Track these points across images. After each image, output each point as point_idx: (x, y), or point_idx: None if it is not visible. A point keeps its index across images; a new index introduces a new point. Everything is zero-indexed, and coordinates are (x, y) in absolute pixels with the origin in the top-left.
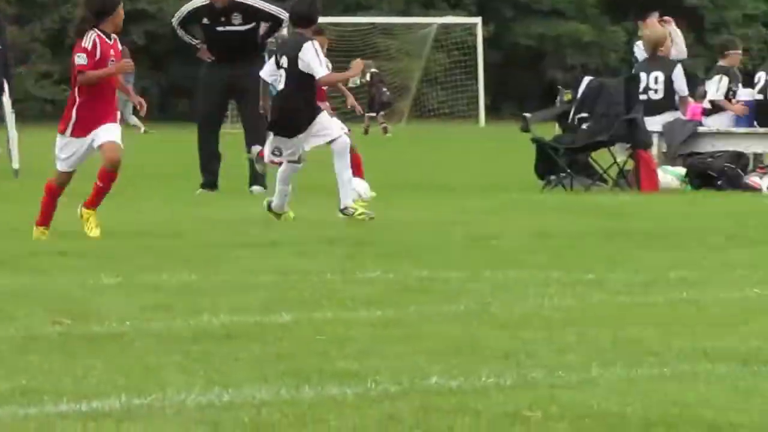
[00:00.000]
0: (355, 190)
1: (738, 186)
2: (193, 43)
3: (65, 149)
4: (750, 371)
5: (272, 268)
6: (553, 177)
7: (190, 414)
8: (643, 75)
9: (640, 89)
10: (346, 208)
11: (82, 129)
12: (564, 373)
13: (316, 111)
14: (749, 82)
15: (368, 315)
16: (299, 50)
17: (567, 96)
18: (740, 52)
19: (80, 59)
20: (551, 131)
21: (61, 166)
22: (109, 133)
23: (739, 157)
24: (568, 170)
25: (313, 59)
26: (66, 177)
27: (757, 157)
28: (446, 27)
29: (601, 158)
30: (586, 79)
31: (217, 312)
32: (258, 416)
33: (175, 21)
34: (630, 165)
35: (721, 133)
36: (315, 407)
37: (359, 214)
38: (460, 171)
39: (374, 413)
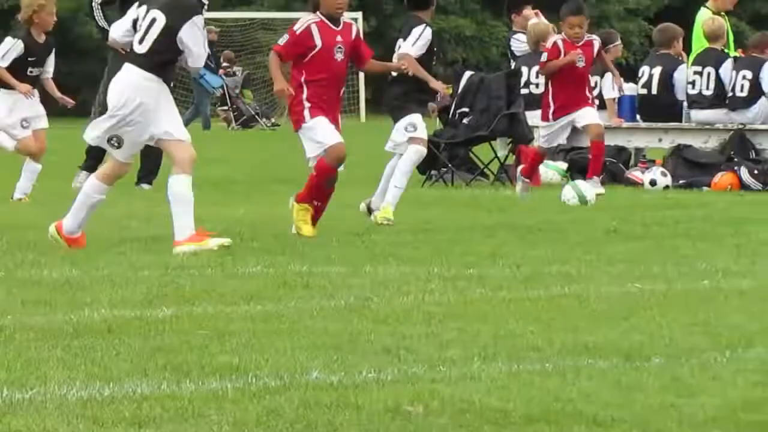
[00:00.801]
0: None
1: (620, 180)
2: (107, 28)
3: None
4: (632, 366)
5: (153, 262)
6: (434, 172)
7: (72, 408)
8: (524, 69)
9: (522, 83)
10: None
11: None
12: (445, 368)
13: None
14: (632, 77)
15: (249, 310)
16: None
17: (448, 90)
18: (620, 44)
19: (281, 39)
20: (432, 125)
21: None
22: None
23: (620, 152)
24: (449, 165)
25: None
26: None
27: (639, 151)
28: None
29: (481, 153)
30: (467, 74)
31: (97, 306)
32: (139, 410)
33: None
34: (511, 160)
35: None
36: (195, 401)
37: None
38: (352, 165)
39: (255, 408)
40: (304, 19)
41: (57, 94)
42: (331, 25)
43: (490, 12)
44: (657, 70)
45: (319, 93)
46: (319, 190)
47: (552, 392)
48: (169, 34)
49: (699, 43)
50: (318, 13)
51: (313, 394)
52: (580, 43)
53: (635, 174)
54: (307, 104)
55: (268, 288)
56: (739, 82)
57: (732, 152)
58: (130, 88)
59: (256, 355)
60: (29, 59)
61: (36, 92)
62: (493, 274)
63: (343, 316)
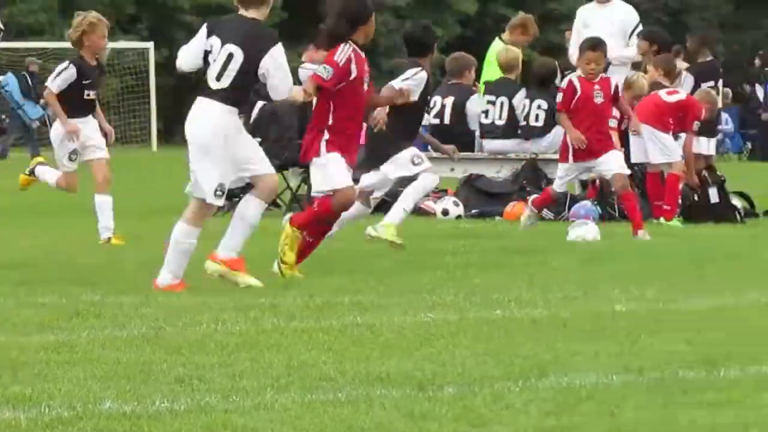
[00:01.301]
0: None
1: (412, 210)
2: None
3: None
4: (425, 396)
5: None
6: (226, 202)
7: None
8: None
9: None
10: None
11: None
12: (238, 398)
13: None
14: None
15: (41, 339)
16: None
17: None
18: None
19: (324, 72)
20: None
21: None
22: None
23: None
24: (242, 195)
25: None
26: None
27: None
28: (119, 52)
29: None
30: (259, 104)
31: None
32: None
33: None
34: (303, 190)
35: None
36: None
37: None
38: (133, 195)
39: None
40: (344, 49)
41: (105, 124)
42: (362, 54)
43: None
44: (449, 100)
45: (343, 126)
46: (316, 225)
47: (345, 422)
48: (248, 69)
49: (490, 73)
50: (351, 41)
51: (107, 423)
52: (596, 80)
53: (427, 204)
54: (326, 135)
55: (61, 318)
56: (533, 111)
57: (524, 181)
58: (214, 124)
59: (49, 385)
60: (83, 82)
61: (92, 120)
62: (286, 303)
63: (136, 345)
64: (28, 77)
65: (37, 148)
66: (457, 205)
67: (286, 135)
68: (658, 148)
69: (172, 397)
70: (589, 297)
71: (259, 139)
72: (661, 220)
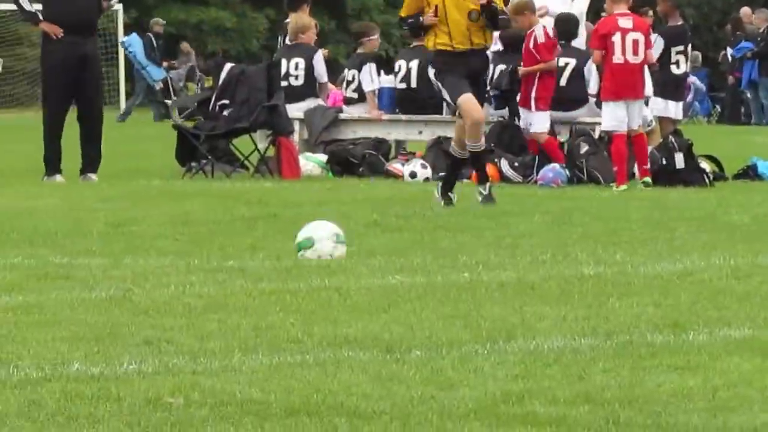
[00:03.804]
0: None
1: (379, 172)
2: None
3: None
4: (393, 358)
5: None
6: (194, 164)
7: None
8: (283, 61)
9: (282, 75)
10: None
11: None
12: (206, 360)
13: None
14: (392, 69)
15: (9, 301)
16: None
17: (207, 82)
18: (377, 37)
19: None
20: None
21: None
22: None
23: (380, 144)
24: (209, 157)
25: None
26: None
27: (400, 144)
28: None
29: (242, 145)
30: (228, 66)
31: None
32: None
33: None
34: (271, 152)
35: (363, 120)
36: None
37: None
38: (104, 158)
39: (16, 399)
40: None
41: None
42: None
43: (250, 4)
44: (414, 63)
45: None
46: None
47: (312, 384)
48: None
49: None
50: None
51: (75, 385)
52: None
53: (395, 166)
54: None
55: (29, 279)
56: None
57: (492, 144)
58: None
59: (17, 346)
60: None
61: None
62: (254, 266)
63: (104, 307)
64: (152, 38)
65: (159, 110)
66: (425, 167)
67: (254, 97)
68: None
69: (140, 359)
70: (557, 260)
71: (227, 101)
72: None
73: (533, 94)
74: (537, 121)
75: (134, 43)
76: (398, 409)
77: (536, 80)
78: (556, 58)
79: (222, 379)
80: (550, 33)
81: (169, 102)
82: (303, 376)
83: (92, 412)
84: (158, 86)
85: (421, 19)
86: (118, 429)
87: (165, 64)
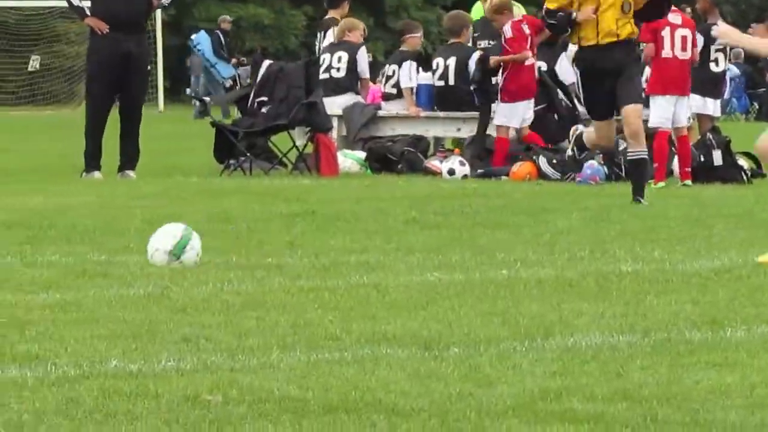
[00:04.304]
0: None
1: (418, 170)
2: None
3: None
4: (431, 355)
5: None
6: (232, 161)
7: None
8: (327, 55)
9: (323, 68)
10: None
11: None
12: (244, 357)
13: None
14: (428, 67)
15: (47, 298)
16: None
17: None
18: (420, 35)
19: None
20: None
21: None
22: None
23: (419, 141)
24: (248, 154)
25: None
26: None
27: (438, 141)
28: None
29: (280, 142)
30: (266, 63)
31: None
32: None
33: None
34: (310, 149)
35: (401, 117)
36: None
37: None
38: (142, 155)
39: (54, 396)
40: None
41: None
42: None
43: (288, 1)
44: (452, 61)
45: None
46: None
47: (351, 381)
48: None
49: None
50: None
51: (113, 382)
52: None
53: (434, 163)
54: None
55: (67, 277)
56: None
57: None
58: None
59: (55, 343)
60: None
61: None
62: (292, 263)
63: (142, 305)
64: (220, 35)
65: (227, 108)
66: (463, 164)
67: (292, 94)
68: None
69: (179, 356)
70: (595, 257)
71: (266, 98)
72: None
73: (500, 86)
74: (499, 113)
75: (202, 40)
76: (436, 407)
77: (506, 72)
78: (526, 51)
79: (260, 377)
80: (525, 29)
81: (207, 99)
82: (341, 373)
83: (130, 410)
84: (228, 83)
85: (574, 14)
86: (156, 426)
87: (233, 60)
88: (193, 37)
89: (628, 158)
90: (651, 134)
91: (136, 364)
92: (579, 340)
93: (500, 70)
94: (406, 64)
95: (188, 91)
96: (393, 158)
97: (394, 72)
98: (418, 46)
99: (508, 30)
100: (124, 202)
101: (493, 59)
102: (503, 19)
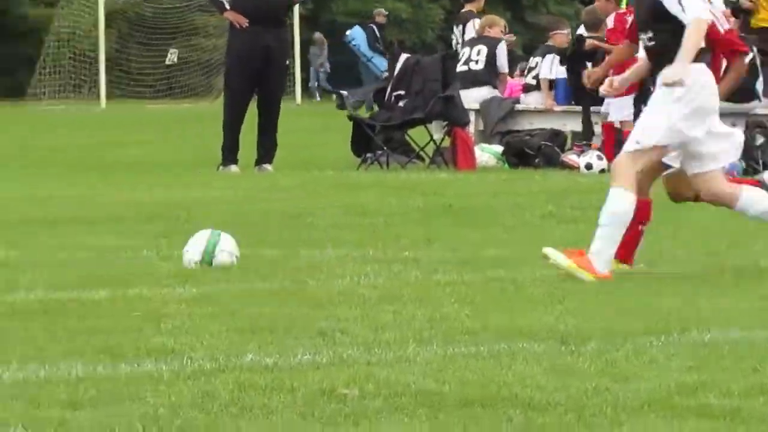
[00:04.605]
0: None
1: (555, 164)
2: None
3: None
4: (567, 350)
5: (88, 245)
6: (369, 155)
7: (7, 390)
8: (466, 49)
9: (462, 61)
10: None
11: None
12: (380, 351)
13: None
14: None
15: (183, 292)
16: None
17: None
18: (567, 32)
19: None
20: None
21: None
22: None
23: (556, 135)
24: (385, 148)
25: None
26: None
27: (575, 134)
28: None
29: (417, 136)
30: (403, 56)
31: (33, 288)
32: (75, 392)
33: None
34: (447, 143)
35: (539, 110)
36: (131, 384)
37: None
38: (279, 148)
39: (190, 390)
40: None
41: None
42: None
43: None
44: None
45: None
46: None
47: (487, 375)
48: None
49: None
50: None
51: (248, 376)
52: None
53: (571, 158)
54: None
55: (203, 271)
56: None
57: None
58: None
59: (191, 337)
60: None
61: None
62: (428, 257)
63: (279, 298)
64: (375, 29)
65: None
66: (600, 158)
67: (429, 88)
68: None
69: (315, 350)
70: (732, 252)
71: (402, 92)
72: None
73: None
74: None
75: (357, 35)
76: (573, 401)
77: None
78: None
79: (396, 370)
80: (629, 21)
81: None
82: (477, 367)
83: (266, 403)
84: (385, 76)
85: None
86: (292, 420)
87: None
88: (347, 32)
89: None
90: None
91: (271, 358)
92: (716, 335)
93: (592, 60)
94: (549, 56)
95: (311, 84)
96: (530, 152)
97: (536, 64)
98: (564, 44)
99: (610, 20)
100: (261, 196)
101: (589, 42)
102: (608, 8)
